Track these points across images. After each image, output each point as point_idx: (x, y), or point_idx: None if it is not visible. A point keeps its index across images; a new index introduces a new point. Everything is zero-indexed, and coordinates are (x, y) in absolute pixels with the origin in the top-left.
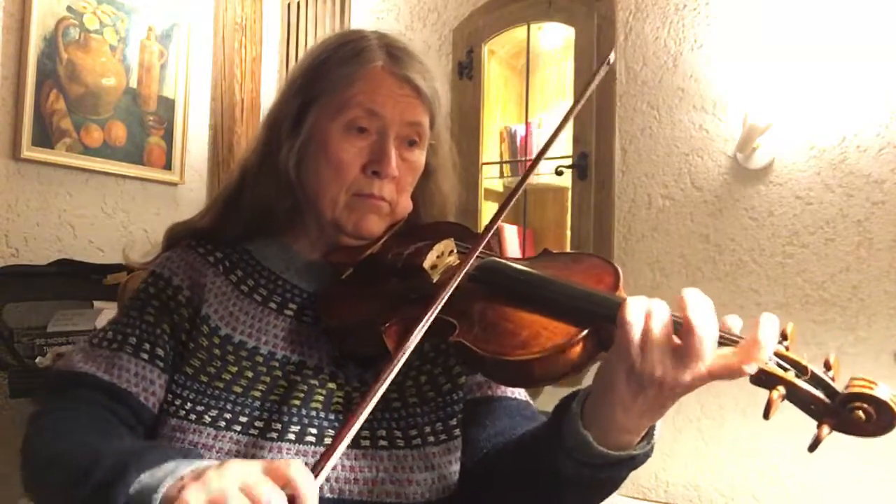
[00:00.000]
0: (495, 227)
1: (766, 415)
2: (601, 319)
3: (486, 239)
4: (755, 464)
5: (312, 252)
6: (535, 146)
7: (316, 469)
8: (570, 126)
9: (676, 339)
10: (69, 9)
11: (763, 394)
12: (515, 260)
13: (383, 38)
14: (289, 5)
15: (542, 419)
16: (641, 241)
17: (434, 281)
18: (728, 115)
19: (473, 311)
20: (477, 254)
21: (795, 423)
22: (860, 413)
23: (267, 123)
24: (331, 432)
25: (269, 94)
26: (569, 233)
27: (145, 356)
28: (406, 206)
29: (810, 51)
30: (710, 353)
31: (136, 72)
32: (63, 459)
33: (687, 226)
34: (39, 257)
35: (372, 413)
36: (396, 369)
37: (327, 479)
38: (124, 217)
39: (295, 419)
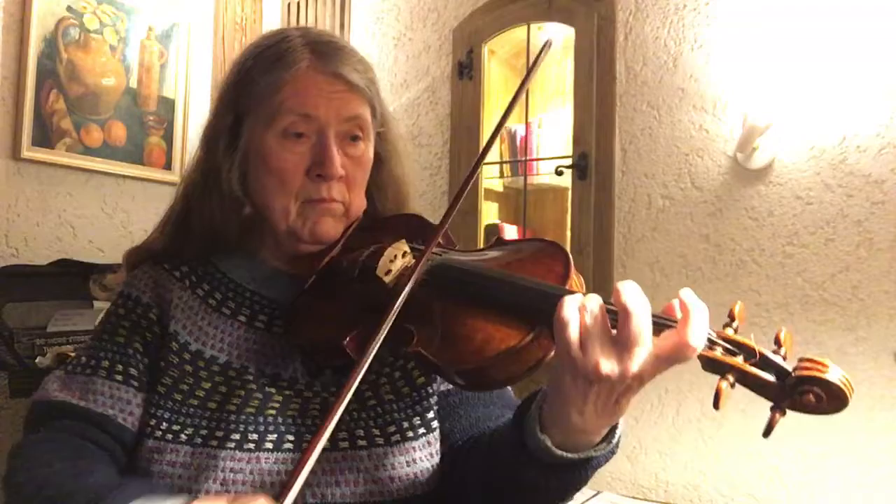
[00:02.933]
0: (446, 225)
1: (716, 404)
2: (548, 317)
3: (436, 240)
4: (755, 464)
5: (275, 259)
6: (536, 146)
7: (280, 499)
8: (570, 126)
9: (614, 330)
10: (69, 9)
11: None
12: (467, 252)
13: (307, 35)
14: (289, 5)
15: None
16: (641, 241)
17: (389, 286)
18: (728, 115)
19: (428, 315)
20: (430, 252)
21: (795, 425)
22: (811, 396)
23: (204, 142)
24: (307, 436)
25: None
26: (569, 233)
27: (119, 377)
28: (360, 203)
29: (810, 51)
30: (648, 335)
31: (136, 72)
32: (39, 498)
33: (687, 226)
34: (39, 257)
35: (348, 413)
36: (353, 389)
37: (308, 485)
38: (124, 217)
39: (271, 427)
